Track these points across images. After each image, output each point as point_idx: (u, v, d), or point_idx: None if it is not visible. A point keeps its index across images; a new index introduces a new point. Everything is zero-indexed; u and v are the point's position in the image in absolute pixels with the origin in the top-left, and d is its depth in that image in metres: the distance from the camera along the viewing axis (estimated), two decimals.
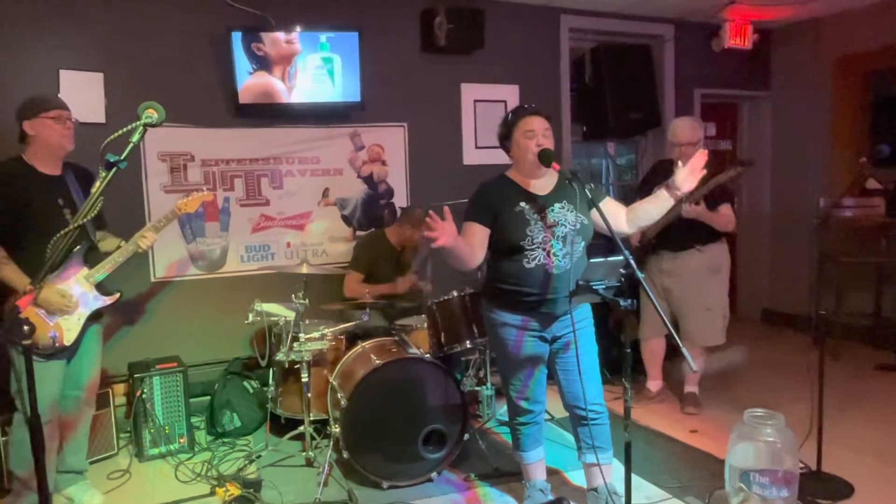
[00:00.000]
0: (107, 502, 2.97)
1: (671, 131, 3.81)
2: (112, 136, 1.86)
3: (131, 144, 1.97)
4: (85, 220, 1.84)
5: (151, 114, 2.05)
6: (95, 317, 2.85)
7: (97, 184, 1.91)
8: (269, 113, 4.21)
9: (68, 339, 2.69)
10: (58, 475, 2.90)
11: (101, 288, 2.81)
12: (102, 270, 2.77)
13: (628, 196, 5.06)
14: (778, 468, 2.48)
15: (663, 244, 3.84)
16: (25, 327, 1.71)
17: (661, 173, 3.95)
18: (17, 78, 3.60)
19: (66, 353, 2.72)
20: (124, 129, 1.92)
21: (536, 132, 2.52)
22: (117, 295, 2.88)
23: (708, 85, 5.77)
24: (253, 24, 4.07)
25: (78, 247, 2.69)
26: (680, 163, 2.49)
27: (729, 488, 2.59)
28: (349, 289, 3.89)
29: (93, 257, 2.82)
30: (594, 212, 2.54)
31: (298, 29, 4.12)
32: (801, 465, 2.86)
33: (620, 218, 2.65)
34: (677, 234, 3.72)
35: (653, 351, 4.12)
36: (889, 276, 5.12)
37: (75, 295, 2.70)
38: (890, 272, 5.09)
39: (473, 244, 2.54)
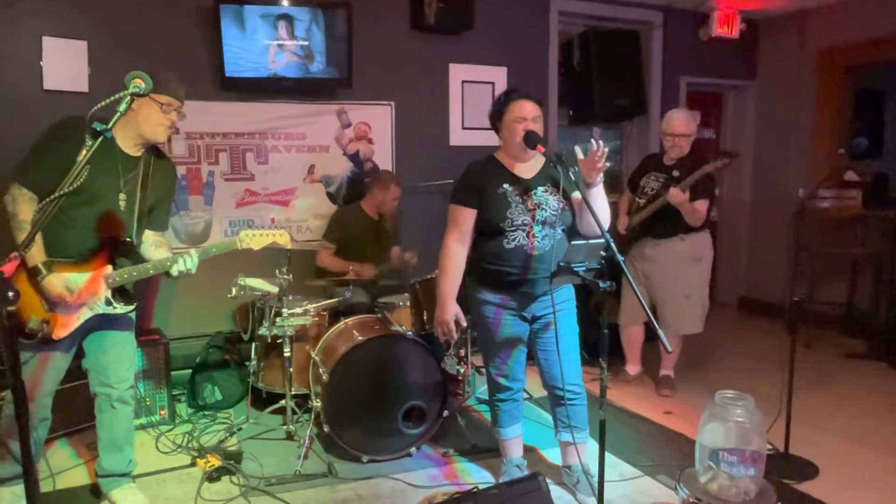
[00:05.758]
0: (86, 472, 2.97)
1: (666, 121, 3.85)
2: (99, 104, 1.85)
3: (118, 114, 1.95)
4: (70, 188, 1.83)
5: (139, 83, 2.03)
6: (108, 318, 2.52)
7: (83, 152, 1.89)
8: (256, 87, 4.18)
9: (58, 333, 2.40)
10: (99, 480, 2.75)
11: (119, 294, 2.50)
12: (124, 277, 2.44)
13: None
14: (746, 448, 2.55)
15: (648, 231, 3.90)
16: (10, 293, 1.68)
17: (648, 168, 4.00)
18: None
19: (58, 345, 2.46)
20: (111, 98, 1.91)
21: (527, 118, 2.55)
22: (132, 307, 2.58)
23: (694, 73, 5.82)
24: None
25: (119, 238, 2.40)
26: (580, 154, 2.49)
27: (699, 466, 2.67)
28: (320, 259, 3.95)
29: (124, 260, 2.51)
30: (574, 197, 2.59)
31: (286, 3, 4.08)
32: (770, 447, 2.95)
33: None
34: (662, 221, 3.78)
35: (631, 337, 4.19)
36: (863, 268, 5.23)
37: (84, 294, 2.39)
38: (864, 263, 5.20)
39: (464, 231, 2.63)
